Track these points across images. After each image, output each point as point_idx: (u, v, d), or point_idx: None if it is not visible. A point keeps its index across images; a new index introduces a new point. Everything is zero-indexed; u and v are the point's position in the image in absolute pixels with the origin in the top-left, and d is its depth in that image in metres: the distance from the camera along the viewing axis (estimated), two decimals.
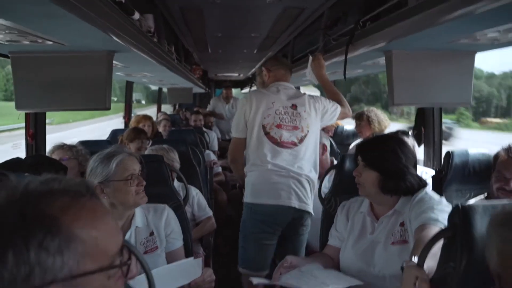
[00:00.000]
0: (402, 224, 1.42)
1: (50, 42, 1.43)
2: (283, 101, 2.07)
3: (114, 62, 1.98)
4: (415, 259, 0.98)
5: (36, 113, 2.38)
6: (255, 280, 1.46)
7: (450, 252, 0.94)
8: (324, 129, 3.19)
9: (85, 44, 1.53)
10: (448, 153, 1.87)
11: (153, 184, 1.76)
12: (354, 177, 1.76)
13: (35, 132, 2.38)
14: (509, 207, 0.75)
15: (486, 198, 1.72)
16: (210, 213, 2.45)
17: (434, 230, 1.19)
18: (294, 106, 2.07)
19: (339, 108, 2.17)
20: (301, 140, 2.04)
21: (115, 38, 1.45)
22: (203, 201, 2.42)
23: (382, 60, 2.23)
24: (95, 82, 1.74)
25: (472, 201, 1.74)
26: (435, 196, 1.38)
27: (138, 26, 1.82)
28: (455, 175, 1.84)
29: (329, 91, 2.26)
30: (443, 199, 1.36)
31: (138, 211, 1.53)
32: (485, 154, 1.84)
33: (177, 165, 2.33)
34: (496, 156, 1.66)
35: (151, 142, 2.99)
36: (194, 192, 2.38)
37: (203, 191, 2.82)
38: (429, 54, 1.78)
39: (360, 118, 3.13)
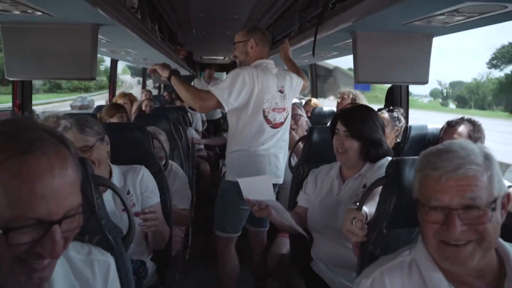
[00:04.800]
0: (364, 186, 1.60)
1: (39, 13, 1.54)
2: (275, 83, 2.12)
3: (99, 36, 2.10)
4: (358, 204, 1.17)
5: (23, 84, 2.48)
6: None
7: (383, 197, 1.13)
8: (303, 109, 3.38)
9: (71, 16, 1.64)
10: (406, 127, 2.06)
11: (135, 150, 1.91)
12: (321, 147, 1.96)
13: (22, 103, 2.48)
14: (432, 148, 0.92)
15: None
16: (188, 206, 2.32)
17: None
18: (282, 89, 2.16)
19: (302, 82, 2.37)
20: (285, 119, 2.20)
21: (99, 11, 1.56)
22: (186, 192, 2.31)
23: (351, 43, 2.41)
24: (81, 53, 1.85)
25: None
26: None
27: (122, 1, 1.92)
28: (411, 147, 2.04)
29: (292, 66, 2.45)
30: None
31: (116, 171, 1.63)
32: (439, 129, 2.03)
33: (166, 146, 2.35)
34: (442, 127, 1.90)
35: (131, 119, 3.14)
36: (181, 174, 2.30)
37: (185, 165, 2.98)
38: (391, 35, 1.94)
39: (344, 97, 3.32)
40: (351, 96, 3.31)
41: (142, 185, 1.66)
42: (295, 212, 1.82)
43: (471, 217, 0.82)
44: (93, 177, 0.99)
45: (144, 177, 1.67)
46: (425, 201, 0.86)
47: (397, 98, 2.84)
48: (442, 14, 1.50)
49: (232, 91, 1.96)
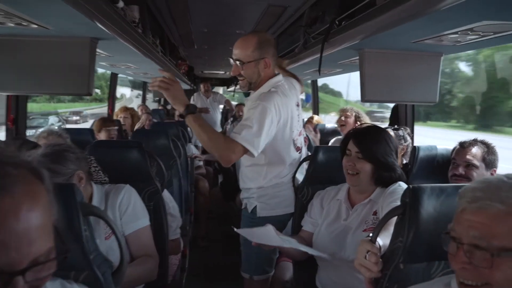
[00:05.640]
0: (375, 213, 1.51)
1: (35, 26, 1.47)
2: (294, 103, 1.90)
3: (98, 50, 2.03)
4: (371, 235, 1.08)
5: (17, 98, 2.41)
6: (237, 230, 1.48)
7: (400, 228, 1.04)
8: (305, 126, 3.33)
9: (69, 29, 1.58)
10: (414, 148, 1.98)
11: (131, 169, 1.82)
12: (327, 167, 1.87)
13: (16, 117, 2.41)
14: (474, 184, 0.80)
15: None
16: (177, 235, 2.17)
17: None
18: (297, 103, 1.98)
19: (300, 85, 2.16)
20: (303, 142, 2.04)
21: (99, 25, 1.50)
22: (175, 221, 2.12)
23: (358, 60, 2.35)
24: (79, 68, 1.77)
25: None
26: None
27: (122, 15, 1.86)
28: (420, 169, 1.95)
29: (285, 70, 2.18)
30: None
31: (98, 192, 1.48)
32: (448, 150, 1.96)
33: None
34: (453, 148, 1.82)
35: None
36: (169, 201, 2.09)
37: (183, 183, 2.89)
38: (399, 54, 1.88)
39: (348, 114, 3.24)
40: (354, 114, 3.24)
41: (122, 207, 1.48)
42: (300, 236, 1.72)
43: (477, 258, 0.73)
44: (81, 206, 0.90)
45: (125, 198, 1.50)
46: (449, 228, 0.80)
47: (403, 117, 2.77)
48: (455, 33, 1.44)
49: (261, 135, 1.66)
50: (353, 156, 1.54)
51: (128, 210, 1.48)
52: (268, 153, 1.82)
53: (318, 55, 2.26)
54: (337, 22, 1.92)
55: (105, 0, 1.54)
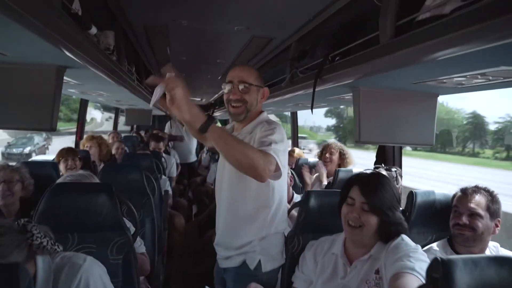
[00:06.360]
0: (377, 272, 1.33)
1: None
2: None
3: (65, 78, 1.81)
4: None
5: None
6: None
7: None
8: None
9: (30, 56, 1.36)
10: (411, 193, 1.85)
11: (98, 216, 1.58)
12: (318, 214, 1.70)
13: None
14: None
15: (448, 242, 1.71)
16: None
17: (410, 279, 1.12)
18: None
19: None
20: None
21: (67, 53, 1.29)
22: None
23: (347, 96, 2.24)
24: (41, 99, 1.54)
25: (434, 245, 1.72)
26: (411, 242, 1.32)
27: (95, 42, 1.67)
28: (418, 216, 1.82)
29: None
30: (419, 247, 1.30)
31: (44, 269, 1.09)
32: (446, 195, 1.84)
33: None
34: (454, 195, 1.70)
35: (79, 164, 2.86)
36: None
37: (156, 220, 2.63)
38: (395, 93, 1.78)
39: (333, 151, 3.10)
40: (338, 150, 3.12)
41: None
42: None
43: None
44: None
45: (81, 284, 1.13)
46: None
47: (390, 155, 2.68)
48: (464, 76, 1.34)
49: (285, 152, 1.50)
50: (357, 206, 1.37)
51: None
52: (274, 190, 1.61)
53: (306, 91, 2.15)
54: (329, 58, 1.81)
55: (75, 27, 1.34)
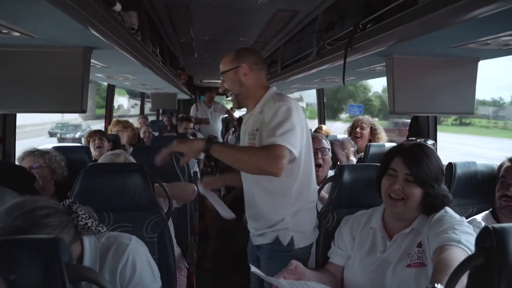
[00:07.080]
0: (419, 245, 1.28)
1: (17, 34, 1.25)
2: None
3: (92, 61, 1.82)
4: (439, 286, 0.85)
5: (5, 115, 2.18)
6: (253, 268, 1.25)
7: (482, 283, 0.81)
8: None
9: (58, 38, 1.36)
10: (450, 165, 1.76)
11: (132, 197, 1.60)
12: (352, 189, 1.65)
13: (4, 135, 2.18)
14: None
15: (492, 214, 1.62)
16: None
17: (456, 251, 1.07)
18: None
19: None
20: None
21: (94, 32, 1.28)
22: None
23: (378, 67, 2.15)
24: (70, 82, 1.55)
25: (477, 217, 1.64)
26: (455, 215, 1.26)
27: (120, 21, 1.65)
28: (458, 188, 1.74)
29: None
30: (464, 219, 1.24)
31: (90, 248, 1.11)
32: (489, 166, 1.74)
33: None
34: (501, 165, 1.61)
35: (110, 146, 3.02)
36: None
37: (188, 202, 2.66)
38: (432, 60, 1.68)
39: (364, 125, 3.02)
40: (369, 125, 3.03)
41: (124, 275, 1.14)
42: (327, 270, 1.49)
43: None
44: (69, 269, 0.67)
45: (129, 264, 1.15)
46: None
47: (424, 128, 2.56)
48: (510, 35, 1.23)
49: (295, 132, 1.46)
50: (401, 178, 1.30)
51: (133, 281, 1.15)
52: (299, 167, 1.59)
53: (335, 63, 2.07)
54: (360, 26, 1.72)
55: (100, 3, 1.32)
